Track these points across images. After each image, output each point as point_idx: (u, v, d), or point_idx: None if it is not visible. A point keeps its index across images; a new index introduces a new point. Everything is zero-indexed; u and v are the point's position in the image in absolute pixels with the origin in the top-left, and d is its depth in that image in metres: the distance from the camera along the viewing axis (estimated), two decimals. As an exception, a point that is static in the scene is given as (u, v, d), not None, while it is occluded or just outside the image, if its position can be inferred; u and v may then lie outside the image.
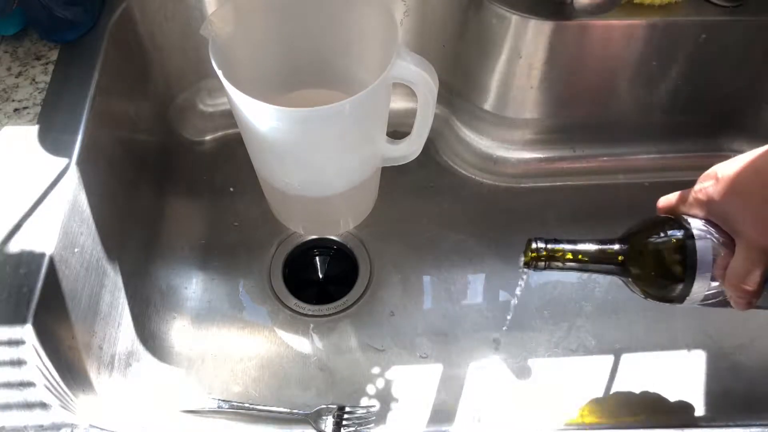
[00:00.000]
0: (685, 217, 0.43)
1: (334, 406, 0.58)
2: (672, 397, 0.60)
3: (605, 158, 0.75)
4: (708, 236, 0.42)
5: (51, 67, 0.59)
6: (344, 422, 0.57)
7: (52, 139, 0.54)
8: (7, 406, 0.43)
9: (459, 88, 0.73)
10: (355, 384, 0.60)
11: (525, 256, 0.46)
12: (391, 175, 0.66)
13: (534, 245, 0.45)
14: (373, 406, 0.59)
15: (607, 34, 0.64)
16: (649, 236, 0.43)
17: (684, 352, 0.62)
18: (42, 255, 0.48)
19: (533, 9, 0.62)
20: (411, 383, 0.60)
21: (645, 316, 0.64)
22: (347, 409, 0.58)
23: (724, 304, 0.44)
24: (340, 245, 0.69)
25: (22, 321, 0.45)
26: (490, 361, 0.62)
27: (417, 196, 0.72)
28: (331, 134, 0.52)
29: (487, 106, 0.72)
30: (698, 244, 0.41)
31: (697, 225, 0.42)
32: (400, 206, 0.71)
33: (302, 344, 0.62)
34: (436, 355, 0.62)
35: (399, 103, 0.72)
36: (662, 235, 0.43)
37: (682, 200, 0.45)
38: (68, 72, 0.59)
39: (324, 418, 0.57)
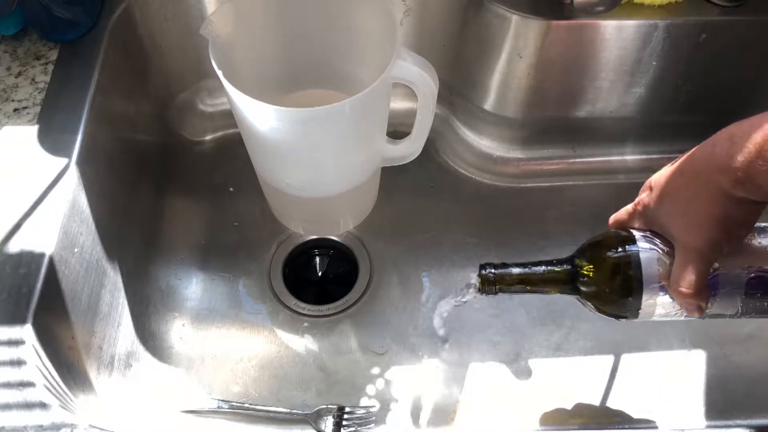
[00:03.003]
0: (632, 230, 0.43)
1: (334, 406, 0.58)
2: (672, 397, 0.60)
3: (605, 158, 0.75)
4: (653, 247, 0.42)
5: (51, 67, 0.59)
6: (344, 422, 0.57)
7: (52, 139, 0.54)
8: (7, 406, 0.43)
9: (459, 88, 0.73)
10: (355, 384, 0.60)
11: (479, 282, 0.46)
12: (391, 175, 0.66)
13: (483, 272, 0.46)
14: (373, 406, 0.59)
15: (607, 34, 0.63)
16: (596, 253, 0.44)
17: (684, 352, 0.62)
18: (42, 255, 0.48)
19: (533, 9, 0.62)
20: (411, 383, 0.60)
21: (645, 316, 0.64)
22: (347, 409, 0.58)
23: (681, 315, 0.44)
24: (340, 245, 0.69)
25: (21, 321, 0.45)
26: (489, 361, 0.62)
27: (417, 196, 0.72)
28: (331, 134, 0.52)
29: (487, 106, 0.72)
30: (642, 256, 0.41)
31: (641, 237, 0.42)
32: (400, 206, 0.71)
33: (302, 344, 0.62)
34: (436, 355, 0.62)
35: (399, 103, 0.72)
36: (608, 251, 0.43)
37: (628, 214, 0.45)
38: (68, 72, 0.59)
39: (324, 418, 0.57)
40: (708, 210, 0.38)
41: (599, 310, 0.45)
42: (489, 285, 0.45)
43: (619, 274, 0.42)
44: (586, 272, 0.44)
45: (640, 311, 0.42)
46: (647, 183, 0.43)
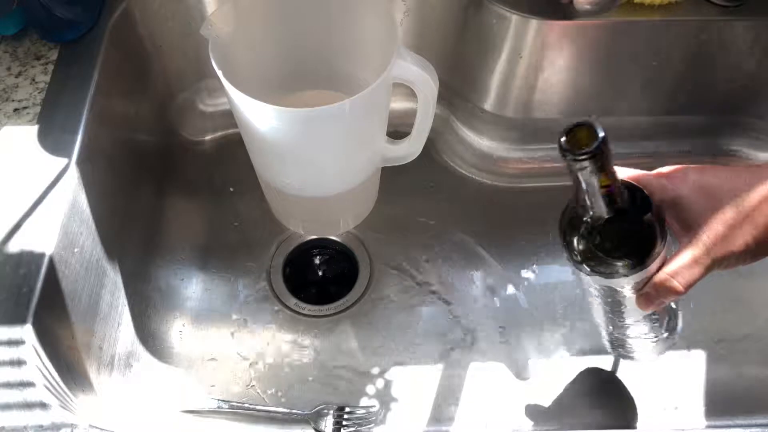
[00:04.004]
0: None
1: (334, 406, 0.58)
2: (672, 397, 0.60)
3: (605, 158, 0.75)
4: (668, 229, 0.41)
5: (51, 67, 0.59)
6: (344, 422, 0.57)
7: (52, 139, 0.54)
8: (7, 406, 0.43)
9: (459, 88, 0.73)
10: (355, 384, 0.60)
11: (569, 135, 0.37)
12: (391, 175, 0.66)
13: (600, 133, 0.35)
14: (373, 406, 0.59)
15: (607, 34, 0.64)
16: (638, 205, 0.40)
17: (684, 352, 0.62)
18: (42, 255, 0.48)
19: (533, 9, 0.62)
20: (411, 383, 0.60)
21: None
22: (347, 409, 0.58)
23: (618, 303, 0.43)
24: (340, 245, 0.69)
25: (21, 321, 0.45)
26: (489, 361, 0.62)
27: (417, 196, 0.72)
28: (331, 134, 0.52)
29: (487, 106, 0.72)
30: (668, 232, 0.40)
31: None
32: (400, 206, 0.71)
33: (302, 344, 0.62)
34: (437, 355, 0.62)
35: (399, 103, 0.72)
36: (647, 211, 0.39)
37: (646, 179, 0.42)
38: (68, 72, 0.59)
39: (324, 418, 0.57)
40: (751, 234, 0.38)
41: (579, 251, 0.41)
42: (589, 156, 0.36)
43: (644, 234, 0.39)
44: (624, 211, 0.38)
45: (620, 275, 0.41)
46: (683, 167, 0.42)
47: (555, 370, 0.61)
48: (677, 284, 0.39)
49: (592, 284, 0.44)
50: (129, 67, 0.65)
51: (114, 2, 0.63)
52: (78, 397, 0.48)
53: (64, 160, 0.53)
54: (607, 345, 0.55)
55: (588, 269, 0.42)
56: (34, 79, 0.58)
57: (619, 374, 0.61)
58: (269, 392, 0.60)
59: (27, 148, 0.54)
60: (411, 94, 0.53)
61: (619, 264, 0.40)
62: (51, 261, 0.48)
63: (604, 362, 0.62)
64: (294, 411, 0.57)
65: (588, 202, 0.38)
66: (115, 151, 0.61)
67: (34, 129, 0.55)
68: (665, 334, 0.51)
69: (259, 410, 0.57)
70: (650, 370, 0.61)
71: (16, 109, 0.56)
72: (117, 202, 0.60)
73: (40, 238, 0.49)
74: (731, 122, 0.73)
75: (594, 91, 0.69)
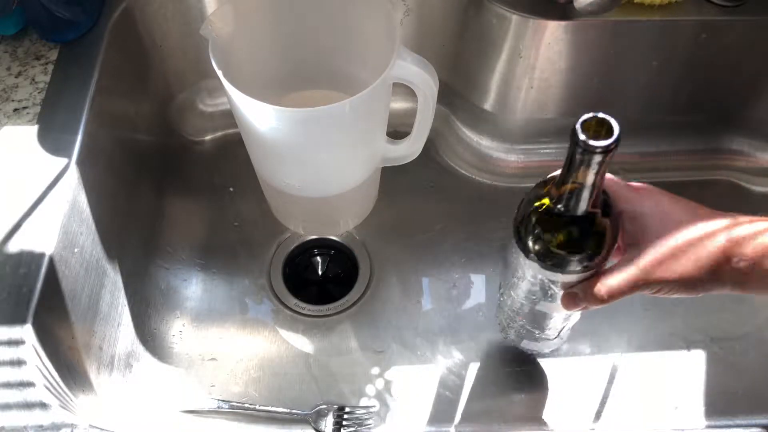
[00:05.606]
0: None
1: (334, 406, 0.58)
2: (672, 397, 0.60)
3: (605, 158, 0.75)
4: None
5: (51, 67, 0.59)
6: (344, 422, 0.57)
7: (52, 139, 0.54)
8: (7, 406, 0.43)
9: (459, 88, 0.73)
10: (355, 384, 0.60)
11: (585, 125, 0.36)
12: (391, 175, 0.66)
13: (616, 130, 0.35)
14: (373, 406, 0.59)
15: (607, 34, 0.64)
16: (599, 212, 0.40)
17: (684, 352, 0.62)
18: (42, 255, 0.48)
19: (533, 9, 0.62)
20: (411, 383, 0.60)
21: (645, 316, 0.64)
22: (347, 409, 0.58)
23: (545, 293, 0.45)
24: (340, 245, 0.69)
25: (21, 321, 0.45)
26: (490, 361, 0.62)
27: (417, 196, 0.72)
28: (331, 134, 0.52)
29: (487, 106, 0.72)
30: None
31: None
32: (400, 206, 0.71)
33: (302, 344, 0.62)
34: (436, 355, 0.62)
35: (399, 103, 0.72)
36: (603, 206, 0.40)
37: (612, 186, 0.43)
38: (68, 72, 0.59)
39: (324, 418, 0.57)
40: (691, 266, 0.39)
41: (534, 236, 0.42)
42: (602, 150, 0.35)
43: (600, 238, 0.41)
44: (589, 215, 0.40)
45: (559, 271, 0.42)
46: (652, 188, 0.43)
47: (555, 370, 0.61)
48: (603, 292, 0.41)
49: (527, 270, 0.45)
50: (129, 67, 0.65)
51: (114, 2, 0.63)
52: (78, 397, 0.48)
53: (64, 160, 0.53)
54: (513, 332, 0.57)
55: (534, 257, 0.43)
56: (34, 79, 0.58)
57: (619, 374, 0.61)
58: (269, 392, 0.60)
59: (27, 148, 0.54)
60: (411, 94, 0.53)
61: (567, 260, 0.41)
62: (51, 261, 0.48)
63: (604, 362, 0.62)
64: (294, 411, 0.57)
65: (569, 195, 0.39)
66: (115, 151, 0.61)
67: (34, 129, 0.55)
68: (560, 334, 0.55)
69: (259, 410, 0.57)
70: (650, 370, 0.61)
71: (16, 109, 0.56)
72: (117, 202, 0.60)
73: (40, 238, 0.49)
74: (731, 122, 0.73)
75: (594, 91, 0.69)
